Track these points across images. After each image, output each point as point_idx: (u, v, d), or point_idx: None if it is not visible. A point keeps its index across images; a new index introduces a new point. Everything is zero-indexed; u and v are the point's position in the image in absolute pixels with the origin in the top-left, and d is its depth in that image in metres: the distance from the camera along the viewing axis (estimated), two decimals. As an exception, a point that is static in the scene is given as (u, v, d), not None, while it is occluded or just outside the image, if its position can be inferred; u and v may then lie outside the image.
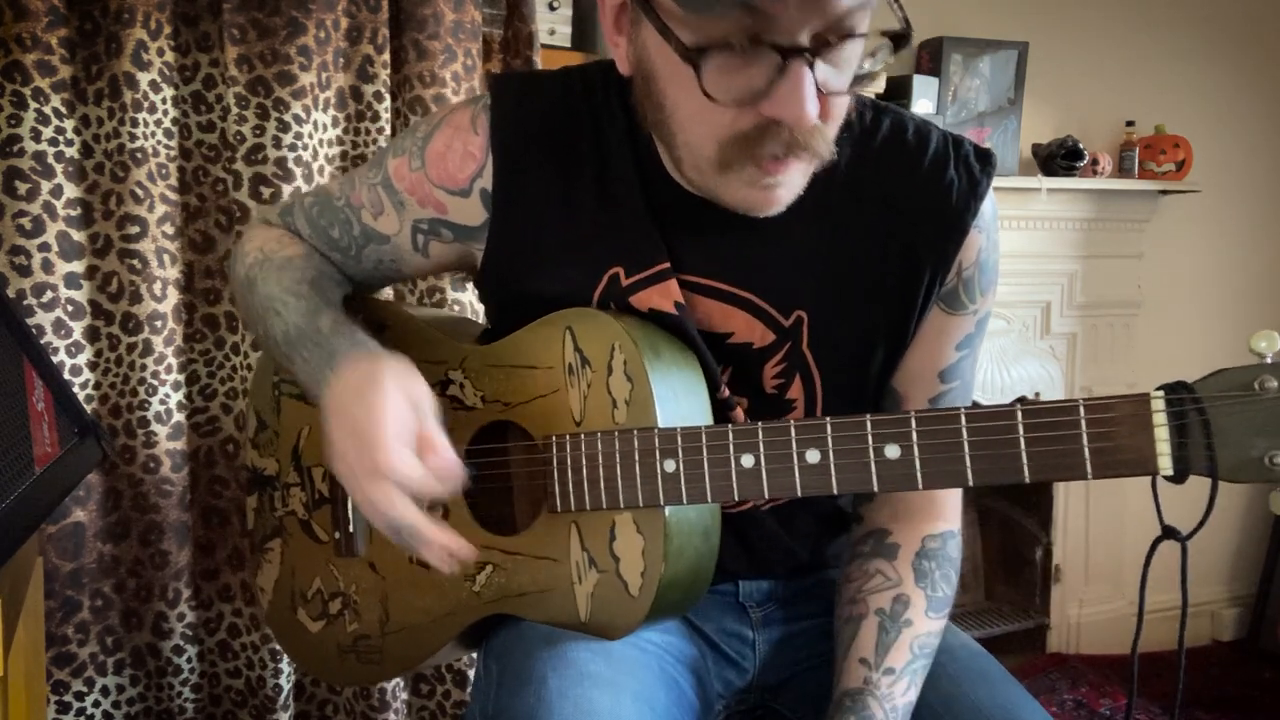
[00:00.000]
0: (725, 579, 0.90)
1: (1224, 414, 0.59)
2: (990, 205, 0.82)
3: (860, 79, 0.69)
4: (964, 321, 0.84)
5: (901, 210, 0.80)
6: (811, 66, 0.64)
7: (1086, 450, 0.62)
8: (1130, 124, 2.41)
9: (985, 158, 0.82)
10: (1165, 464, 0.60)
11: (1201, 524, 0.63)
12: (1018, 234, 2.30)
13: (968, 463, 0.65)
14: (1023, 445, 0.64)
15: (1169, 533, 0.65)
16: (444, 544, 0.72)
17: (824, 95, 0.66)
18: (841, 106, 0.71)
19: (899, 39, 0.67)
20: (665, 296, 0.79)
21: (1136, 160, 2.39)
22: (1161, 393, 0.61)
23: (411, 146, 0.86)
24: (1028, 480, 0.64)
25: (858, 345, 0.82)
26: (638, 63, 0.73)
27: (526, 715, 0.71)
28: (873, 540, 0.86)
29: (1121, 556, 2.53)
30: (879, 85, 2.04)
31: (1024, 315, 2.35)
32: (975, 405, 0.67)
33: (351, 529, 0.94)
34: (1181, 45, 2.51)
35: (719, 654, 0.90)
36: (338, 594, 0.96)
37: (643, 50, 0.72)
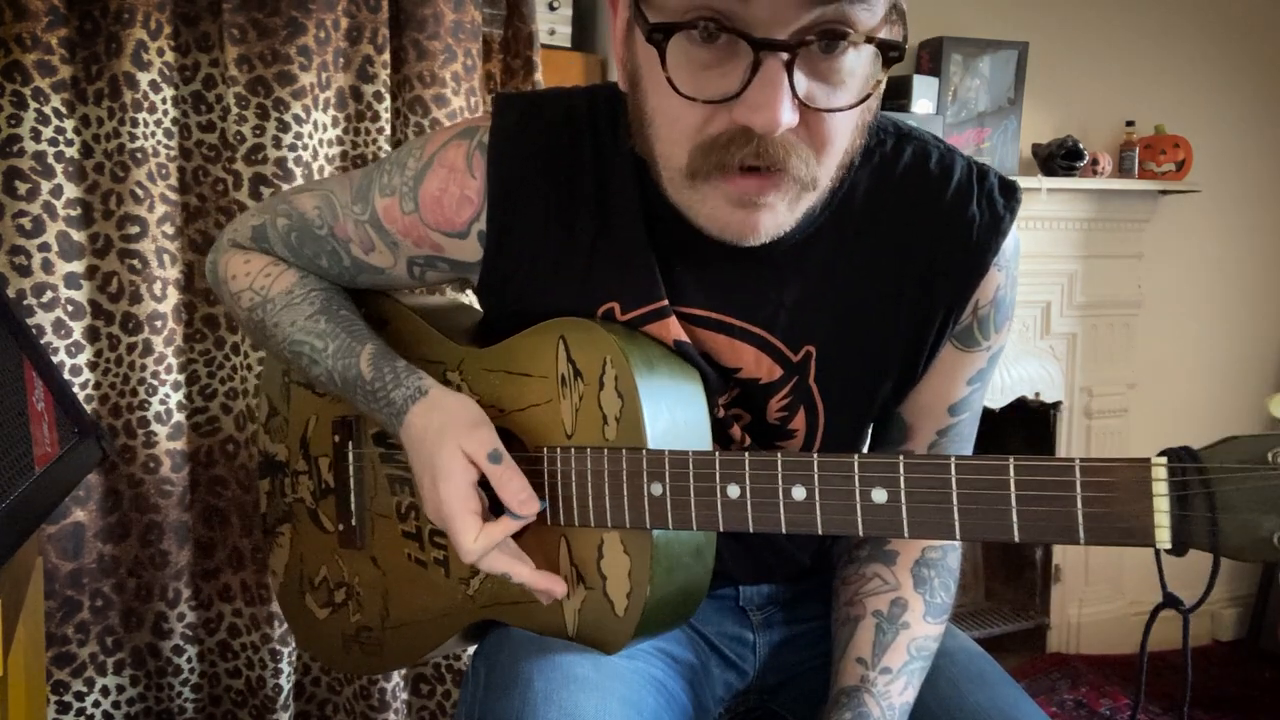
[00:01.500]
0: (726, 583, 0.90)
1: (1231, 487, 0.54)
2: (1013, 242, 0.79)
3: (856, 103, 0.64)
4: (977, 358, 0.82)
5: (920, 245, 0.77)
6: (789, 67, 0.61)
7: (1080, 514, 0.58)
8: (1130, 124, 2.41)
9: (1010, 192, 0.78)
10: (1164, 536, 0.56)
11: (1203, 599, 0.59)
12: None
13: (955, 516, 0.62)
14: (1013, 503, 0.60)
15: (1170, 601, 0.61)
16: (540, 585, 0.76)
17: (806, 108, 0.63)
18: (837, 132, 0.66)
19: (890, 51, 0.63)
20: (664, 333, 0.77)
21: (1136, 160, 2.39)
22: (1164, 460, 0.56)
23: (402, 188, 0.82)
24: (1016, 540, 0.60)
25: (866, 380, 0.80)
26: (631, 73, 0.71)
27: (511, 718, 0.71)
28: (870, 545, 0.86)
29: (1121, 556, 2.53)
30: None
31: (1024, 315, 2.35)
32: (964, 456, 0.63)
33: (354, 522, 0.95)
34: (1181, 45, 2.51)
35: (719, 656, 0.90)
36: (342, 584, 0.97)
37: (634, 58, 0.69)
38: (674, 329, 0.77)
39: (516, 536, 0.80)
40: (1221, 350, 2.63)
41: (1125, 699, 2.27)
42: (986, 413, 2.37)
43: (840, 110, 0.64)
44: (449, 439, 0.76)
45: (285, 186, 1.42)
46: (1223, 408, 2.58)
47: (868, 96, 0.65)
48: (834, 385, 0.80)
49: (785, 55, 0.60)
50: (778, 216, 0.68)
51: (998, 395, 2.32)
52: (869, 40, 0.62)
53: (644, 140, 0.71)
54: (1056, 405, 2.43)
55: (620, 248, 0.78)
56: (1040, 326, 2.38)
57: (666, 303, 0.77)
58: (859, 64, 0.64)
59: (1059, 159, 2.26)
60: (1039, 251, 2.33)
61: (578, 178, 0.78)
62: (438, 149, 0.81)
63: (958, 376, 0.82)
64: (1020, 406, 2.38)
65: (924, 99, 2.13)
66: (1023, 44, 2.25)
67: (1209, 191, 2.48)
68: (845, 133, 0.67)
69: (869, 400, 0.82)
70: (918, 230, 0.77)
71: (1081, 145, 2.26)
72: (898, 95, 2.11)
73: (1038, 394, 2.39)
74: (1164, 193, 2.44)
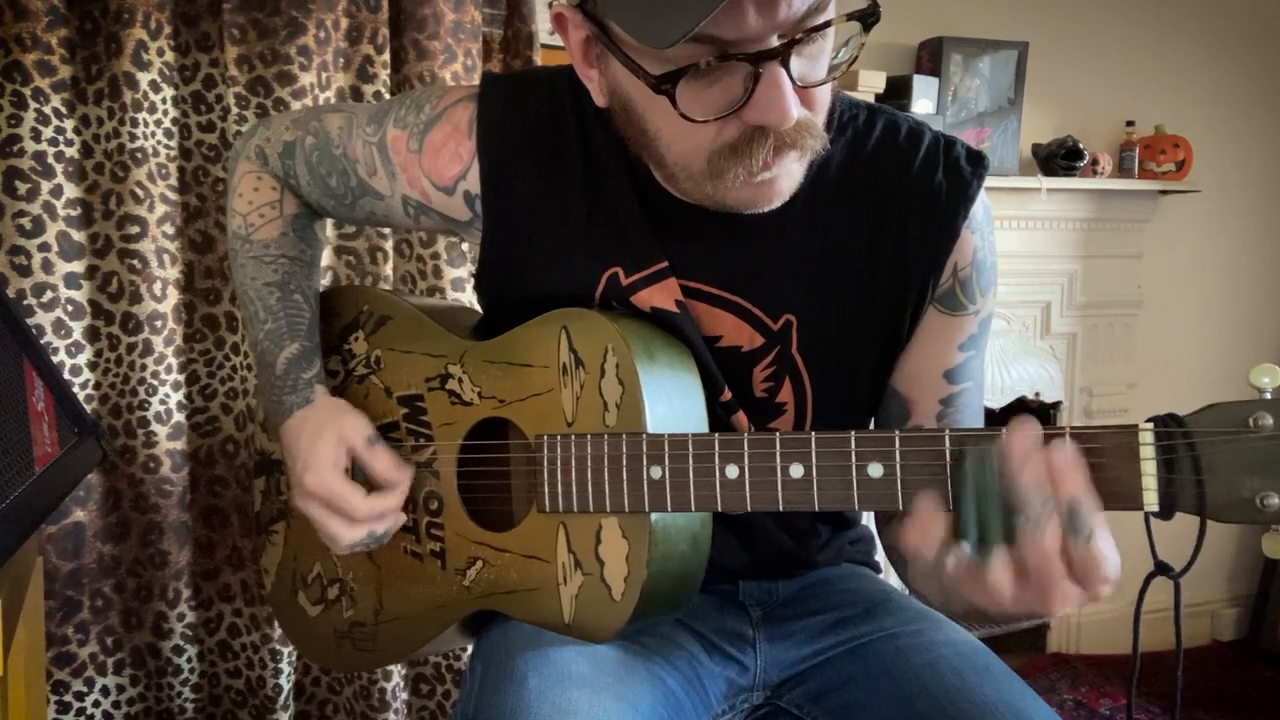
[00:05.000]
0: (725, 578, 0.90)
1: (1215, 450, 0.57)
2: (982, 207, 0.82)
3: (836, 66, 0.69)
4: (965, 322, 0.84)
5: (892, 213, 0.80)
6: (785, 66, 0.64)
7: None
8: (1130, 124, 2.41)
9: (976, 159, 0.81)
10: (1151, 499, 0.59)
11: (1191, 563, 0.61)
12: (1018, 234, 2.31)
13: (950, 487, 0.64)
14: None
15: (1161, 569, 0.64)
16: (379, 521, 0.85)
17: (803, 89, 0.66)
18: (826, 95, 0.71)
19: (867, 18, 0.67)
20: (667, 295, 0.79)
21: (1136, 160, 2.39)
22: (1151, 425, 0.59)
23: (414, 126, 0.86)
24: None
25: (849, 349, 0.82)
26: (612, 93, 0.73)
27: (506, 714, 0.71)
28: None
29: (1121, 556, 2.52)
30: (879, 84, 2.04)
31: (1024, 315, 2.35)
32: (965, 429, 0.65)
33: None
34: (1181, 45, 2.52)
35: (720, 653, 0.90)
36: (336, 580, 0.97)
37: (615, 82, 0.72)
38: (674, 290, 0.79)
39: (506, 529, 0.82)
40: (1221, 350, 2.64)
41: (1125, 699, 2.27)
42: (987, 413, 2.39)
43: (830, 80, 0.69)
44: (328, 429, 0.86)
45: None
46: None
47: (854, 59, 0.69)
48: (818, 354, 0.82)
49: (781, 58, 0.63)
50: (793, 177, 0.73)
51: (998, 395, 2.32)
52: (849, 18, 0.66)
53: (650, 152, 0.74)
54: (1056, 405, 2.43)
55: (616, 216, 0.81)
56: (1040, 326, 2.38)
57: (667, 264, 0.79)
58: (831, 33, 0.68)
59: (1059, 159, 2.26)
60: (1039, 251, 2.33)
61: (565, 155, 0.81)
62: (450, 104, 0.85)
63: (949, 342, 0.84)
64: (1020, 406, 2.38)
65: (924, 99, 2.13)
66: (1023, 44, 2.25)
67: (1209, 191, 2.48)
68: (829, 91, 0.72)
69: (854, 370, 0.83)
70: (889, 200, 0.80)
71: (1081, 145, 2.26)
72: (898, 95, 2.11)
73: (1038, 394, 2.39)
74: (1164, 193, 2.44)
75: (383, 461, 0.86)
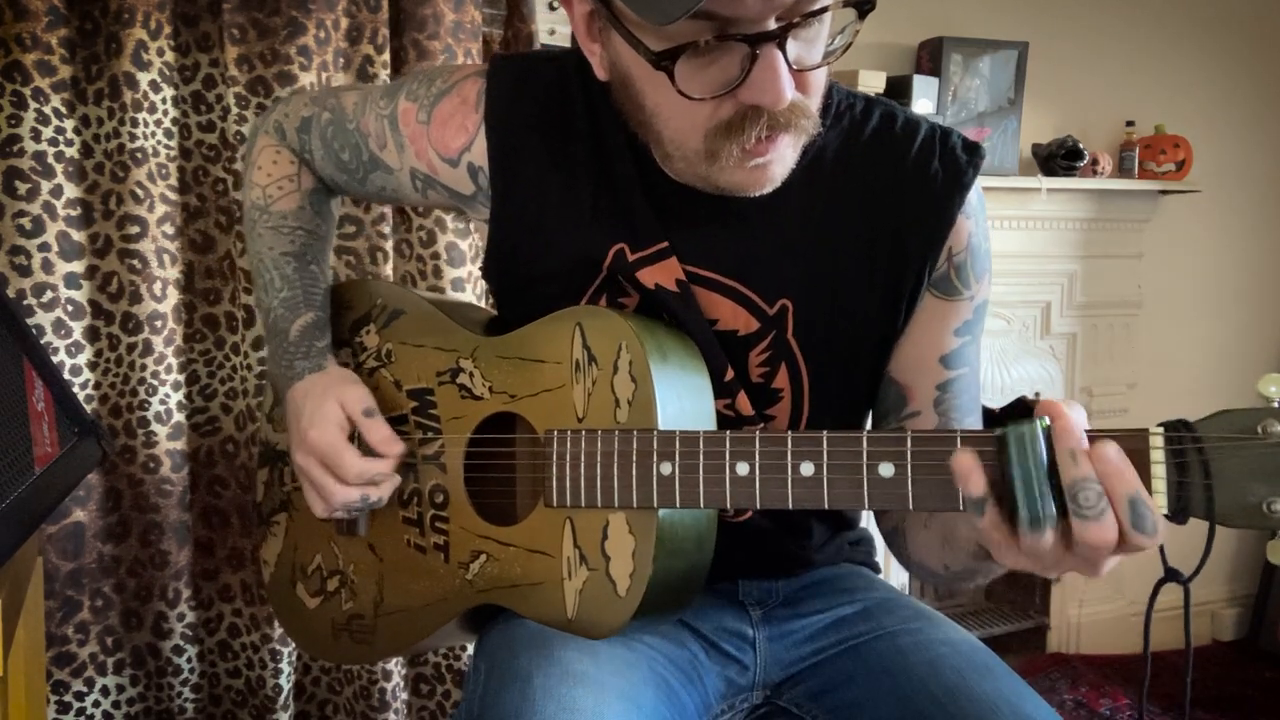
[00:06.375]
0: (725, 577, 0.90)
1: (1224, 456, 0.58)
2: (976, 194, 0.83)
3: (832, 51, 0.70)
4: (961, 307, 0.85)
5: (888, 201, 0.81)
6: (782, 48, 0.65)
7: None
8: (1130, 124, 2.41)
9: (972, 149, 0.83)
10: (1161, 503, 0.59)
11: (1200, 568, 0.62)
12: (1018, 234, 2.31)
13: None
14: None
15: (1171, 575, 0.65)
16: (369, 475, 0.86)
17: (799, 72, 0.68)
18: (821, 78, 0.72)
19: (863, 5, 0.68)
20: (669, 275, 0.81)
21: (1136, 160, 2.39)
22: (1161, 429, 0.59)
23: (424, 98, 0.88)
24: None
25: (846, 335, 0.83)
26: (613, 68, 0.75)
27: (511, 714, 0.71)
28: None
29: (1126, 559, 2.52)
30: (879, 84, 2.04)
31: (1024, 315, 2.35)
32: (972, 429, 0.66)
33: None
34: (1181, 45, 2.52)
35: (719, 652, 0.90)
36: (336, 572, 0.97)
37: (616, 56, 0.73)
38: (676, 270, 0.81)
39: (511, 523, 0.83)
40: (1221, 350, 2.63)
41: (1125, 699, 2.28)
42: (986, 414, 2.38)
43: (825, 64, 0.70)
44: (331, 395, 0.88)
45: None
46: (1222, 407, 2.57)
47: (849, 45, 0.70)
48: (814, 340, 0.83)
49: (778, 40, 0.65)
50: (786, 162, 0.74)
51: (998, 395, 2.32)
52: (845, 4, 0.68)
53: (647, 128, 0.75)
54: (1056, 405, 2.43)
55: (621, 194, 0.82)
56: (1040, 326, 2.38)
57: (668, 244, 0.81)
58: (828, 18, 0.69)
59: (1059, 159, 2.26)
60: (1039, 251, 2.33)
61: (572, 130, 0.83)
62: (460, 79, 0.87)
63: (944, 327, 0.85)
64: (1020, 407, 2.38)
65: (924, 99, 2.13)
66: (1023, 44, 2.25)
67: (1209, 191, 2.48)
68: (824, 76, 0.73)
69: (852, 357, 0.84)
70: (885, 187, 0.81)
71: (1081, 145, 2.26)
72: (898, 95, 2.11)
73: (1038, 394, 2.39)
74: (1164, 193, 2.44)
75: (378, 433, 0.87)
